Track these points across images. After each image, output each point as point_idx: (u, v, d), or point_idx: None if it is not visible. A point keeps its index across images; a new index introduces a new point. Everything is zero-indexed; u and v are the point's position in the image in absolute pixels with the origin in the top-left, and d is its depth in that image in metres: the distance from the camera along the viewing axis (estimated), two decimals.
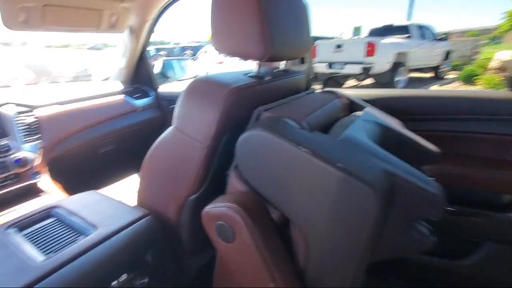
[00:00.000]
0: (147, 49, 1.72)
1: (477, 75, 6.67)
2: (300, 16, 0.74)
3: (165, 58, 1.90)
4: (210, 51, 9.74)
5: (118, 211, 0.77)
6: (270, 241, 0.54)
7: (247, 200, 0.55)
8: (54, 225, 0.73)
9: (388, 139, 0.67)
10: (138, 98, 1.73)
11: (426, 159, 0.71)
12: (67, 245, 0.64)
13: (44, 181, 1.17)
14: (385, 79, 6.52)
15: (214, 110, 0.60)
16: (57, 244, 0.66)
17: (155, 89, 1.81)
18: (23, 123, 1.18)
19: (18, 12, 0.99)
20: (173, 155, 0.69)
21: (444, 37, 8.56)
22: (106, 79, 1.85)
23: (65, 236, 0.68)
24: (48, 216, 0.77)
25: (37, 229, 0.72)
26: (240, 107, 0.63)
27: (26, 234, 0.70)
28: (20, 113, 1.19)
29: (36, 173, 1.17)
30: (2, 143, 1.09)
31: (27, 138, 1.18)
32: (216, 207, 0.55)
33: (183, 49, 16.27)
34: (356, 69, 6.20)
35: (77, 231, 0.70)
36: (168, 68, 1.90)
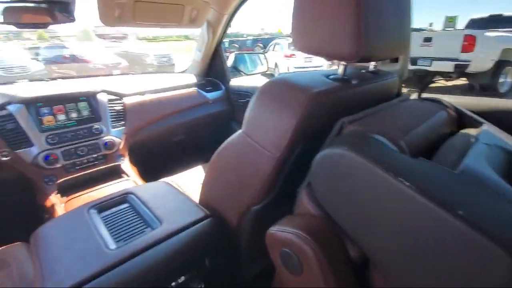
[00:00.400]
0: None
1: None
2: (402, 5, 0.60)
3: (237, 51, 1.89)
4: (281, 44, 9.66)
5: (183, 207, 0.77)
6: (343, 282, 0.45)
7: (318, 228, 0.47)
8: (127, 211, 0.78)
9: None
10: (209, 91, 1.78)
11: None
12: (136, 235, 0.67)
13: (125, 164, 1.29)
14: (484, 80, 5.42)
15: (290, 117, 0.52)
16: (128, 232, 0.69)
17: (227, 83, 1.83)
18: (113, 110, 1.32)
19: (114, 8, 1.08)
20: (240, 161, 0.65)
21: None
22: (184, 71, 1.96)
23: (134, 226, 0.71)
24: (123, 201, 0.83)
25: (113, 213, 0.78)
26: (320, 115, 0.55)
27: (103, 217, 0.76)
28: (111, 100, 1.33)
29: (120, 156, 1.30)
30: (96, 127, 1.24)
31: (115, 124, 1.31)
32: (282, 231, 0.48)
33: (255, 41, 16.59)
34: (447, 66, 5.31)
35: (145, 222, 0.72)
36: (240, 62, 1.90)
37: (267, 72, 2.03)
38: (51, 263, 0.59)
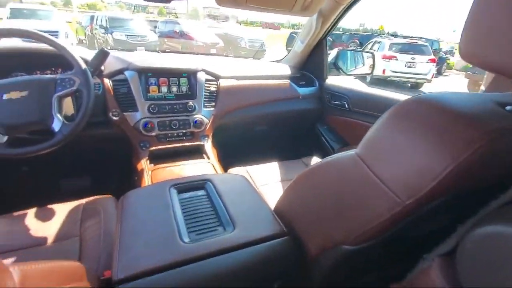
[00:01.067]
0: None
1: None
2: None
3: (340, 48, 1.70)
4: (382, 43, 8.70)
5: (259, 213, 0.71)
6: None
7: None
8: (202, 200, 0.76)
9: None
10: (302, 86, 1.67)
11: None
12: (208, 232, 0.64)
13: (208, 145, 1.32)
14: None
15: (445, 158, 0.37)
16: (200, 225, 0.66)
17: (323, 80, 1.69)
18: (208, 90, 1.35)
19: None
20: (346, 189, 0.52)
21: None
22: (279, 60, 1.88)
23: (208, 220, 0.68)
24: (201, 187, 0.82)
25: (190, 197, 0.77)
26: (493, 162, 0.38)
27: (181, 199, 0.75)
28: (208, 80, 1.36)
29: (205, 136, 1.32)
30: (190, 104, 1.28)
31: (206, 104, 1.34)
32: None
33: (351, 37, 15.50)
34: None
35: (218, 219, 0.68)
36: (342, 59, 1.71)
37: (367, 74, 1.78)
38: (129, 237, 0.60)
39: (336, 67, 1.71)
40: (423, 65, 7.71)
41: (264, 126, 1.67)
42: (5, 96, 0.86)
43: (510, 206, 0.34)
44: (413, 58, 7.76)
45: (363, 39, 14.05)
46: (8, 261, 0.75)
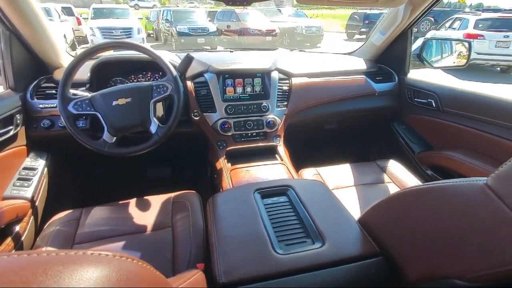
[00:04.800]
0: None
1: None
2: None
3: (428, 37, 1.51)
4: (464, 19, 7.45)
5: (346, 226, 0.69)
6: None
7: None
8: (286, 208, 0.77)
9: None
10: (379, 81, 1.54)
11: None
12: (297, 244, 0.65)
13: (281, 145, 1.32)
14: None
15: None
16: (289, 236, 0.67)
17: (403, 75, 1.53)
18: (281, 89, 1.34)
19: None
20: (471, 222, 0.46)
21: None
22: (352, 52, 1.76)
23: (295, 230, 0.69)
24: (283, 193, 0.83)
25: (274, 203, 0.79)
26: None
27: (266, 204, 0.77)
28: (281, 79, 1.35)
29: (277, 136, 1.33)
30: (264, 104, 1.29)
31: (279, 103, 1.33)
32: None
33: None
34: None
35: (305, 231, 0.69)
36: (428, 50, 1.52)
37: (459, 67, 1.55)
38: (225, 241, 0.64)
39: (420, 59, 1.53)
40: None
41: (335, 125, 1.61)
42: (114, 103, 0.98)
43: None
44: (506, 37, 6.50)
45: (440, 15, 12.24)
46: (118, 244, 0.88)
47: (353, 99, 1.50)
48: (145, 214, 1.00)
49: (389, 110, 1.57)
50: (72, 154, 1.38)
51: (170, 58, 1.27)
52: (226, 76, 1.28)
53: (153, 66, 1.27)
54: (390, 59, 1.58)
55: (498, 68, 6.94)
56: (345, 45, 11.70)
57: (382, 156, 1.42)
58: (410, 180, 1.18)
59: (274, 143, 1.31)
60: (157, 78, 1.34)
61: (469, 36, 6.81)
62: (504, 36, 6.51)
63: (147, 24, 12.05)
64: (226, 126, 1.24)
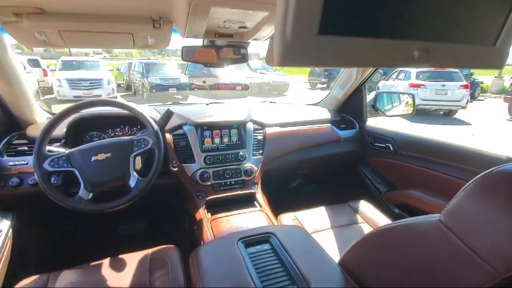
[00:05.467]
0: None
1: None
2: None
3: (379, 91, 1.75)
4: (407, 72, 8.64)
5: (327, 269, 0.73)
6: None
7: None
8: (270, 256, 0.79)
9: None
10: (343, 129, 1.71)
11: None
12: None
13: (259, 192, 1.37)
14: None
15: None
16: (276, 283, 0.69)
17: (363, 122, 1.72)
18: (256, 139, 1.43)
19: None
20: (432, 257, 0.53)
21: None
22: (317, 103, 1.96)
23: (280, 277, 0.71)
24: (266, 240, 0.85)
25: (258, 251, 0.80)
26: None
27: (250, 254, 0.79)
28: (255, 130, 1.45)
29: (255, 184, 1.38)
30: (241, 153, 1.36)
31: (255, 152, 1.41)
32: None
33: None
34: None
35: (290, 277, 0.71)
36: (380, 101, 1.75)
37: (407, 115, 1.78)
38: None
39: (375, 109, 1.75)
40: (455, 91, 7.49)
41: (308, 170, 1.71)
42: (93, 158, 0.98)
43: None
44: (443, 85, 7.59)
45: (388, 69, 14.06)
46: None
47: (321, 146, 1.63)
48: (120, 275, 0.94)
49: (354, 154, 1.72)
50: (39, 212, 1.30)
51: (150, 113, 1.33)
52: (205, 128, 1.35)
53: (131, 121, 1.31)
54: (351, 109, 1.78)
55: (441, 112, 7.91)
56: (309, 93, 12.74)
57: (354, 197, 1.51)
58: (380, 219, 1.26)
59: (253, 191, 1.35)
60: (135, 131, 1.38)
61: (413, 85, 7.84)
62: (442, 85, 7.59)
63: (118, 75, 12.24)
64: (205, 175, 1.27)
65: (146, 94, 9.31)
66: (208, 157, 1.31)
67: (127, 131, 1.37)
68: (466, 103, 7.54)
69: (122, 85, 11.78)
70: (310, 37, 0.29)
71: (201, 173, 1.27)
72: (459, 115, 7.75)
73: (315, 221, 1.27)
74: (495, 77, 12.34)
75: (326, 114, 1.75)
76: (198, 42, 1.13)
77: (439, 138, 1.35)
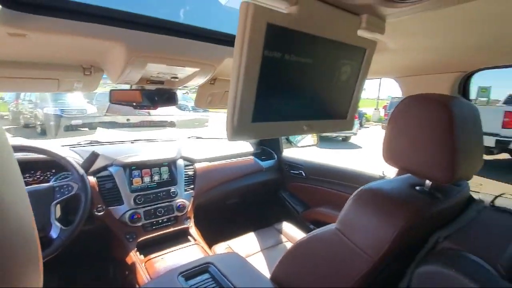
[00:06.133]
0: None
1: None
2: (479, 128, 0.71)
3: None
4: None
5: (261, 285, 0.85)
6: None
7: None
8: (211, 283, 0.86)
9: None
10: (264, 159, 1.94)
11: None
12: None
13: (192, 227, 1.41)
14: None
15: (391, 228, 0.60)
16: None
17: (280, 153, 2.00)
18: (187, 174, 1.50)
19: (207, 96, 1.26)
20: (332, 257, 0.72)
21: None
22: None
23: None
24: (205, 271, 0.92)
25: (199, 282, 0.87)
26: (416, 229, 0.63)
27: (191, 286, 0.84)
28: (186, 166, 1.52)
29: (187, 218, 1.42)
30: (172, 190, 1.40)
31: (186, 188, 1.47)
32: None
33: None
34: (488, 141, 5.23)
35: None
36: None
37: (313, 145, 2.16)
38: None
39: (288, 141, 2.06)
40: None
41: (237, 199, 1.84)
42: None
43: (432, 254, 0.58)
44: None
45: None
46: None
47: (247, 176, 1.81)
48: None
49: (275, 181, 1.95)
50: None
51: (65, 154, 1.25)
52: (133, 167, 1.35)
53: (44, 165, 1.20)
54: (269, 142, 2.05)
55: (340, 138, 9.43)
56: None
57: (277, 219, 1.71)
58: (299, 236, 1.48)
59: (186, 225, 1.39)
60: (49, 176, 1.26)
61: None
62: None
63: (1, 105, 10.16)
64: (136, 216, 1.25)
65: (42, 127, 7.97)
66: (139, 197, 1.30)
67: (39, 176, 1.24)
68: (357, 130, 9.24)
69: (6, 117, 9.78)
70: (247, 123, 0.46)
71: (131, 214, 1.25)
72: (353, 139, 9.39)
73: (247, 246, 1.38)
74: (374, 109, 15.58)
75: (249, 147, 1.96)
76: None
77: (336, 164, 1.70)
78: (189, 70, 0.97)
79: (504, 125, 5.17)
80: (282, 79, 0.50)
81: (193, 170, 1.54)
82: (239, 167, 1.79)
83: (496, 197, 0.85)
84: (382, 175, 1.43)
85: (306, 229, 1.71)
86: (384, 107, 14.29)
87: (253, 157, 1.90)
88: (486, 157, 5.97)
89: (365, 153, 7.44)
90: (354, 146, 8.68)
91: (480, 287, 0.47)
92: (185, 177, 1.48)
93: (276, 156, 2.00)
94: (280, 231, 1.55)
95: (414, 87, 1.16)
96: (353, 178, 1.52)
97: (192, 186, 1.50)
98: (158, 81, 1.12)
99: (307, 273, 0.79)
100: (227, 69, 1.03)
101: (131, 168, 1.34)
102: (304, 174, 1.82)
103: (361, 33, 0.55)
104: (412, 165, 0.66)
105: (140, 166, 1.37)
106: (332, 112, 0.66)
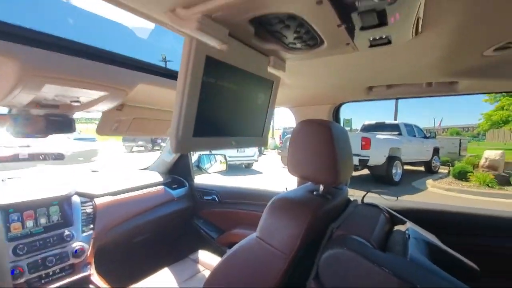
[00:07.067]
0: None
1: (468, 172, 7.13)
2: (348, 145, 0.96)
3: (201, 153, 2.14)
4: None
5: None
6: None
7: None
8: None
9: (434, 255, 0.81)
10: (175, 188, 1.89)
11: (467, 275, 0.82)
12: None
13: (94, 274, 1.21)
14: (381, 172, 6.96)
15: (300, 226, 0.74)
16: None
17: (191, 180, 1.99)
18: (85, 212, 1.30)
19: (113, 122, 1.18)
20: (253, 262, 0.79)
21: (432, 135, 9.55)
22: (147, 168, 2.05)
23: None
24: None
25: None
26: (317, 224, 0.78)
27: None
28: (83, 203, 1.32)
29: (87, 265, 1.21)
30: (67, 233, 1.18)
31: (84, 228, 1.27)
32: None
33: None
34: (353, 160, 6.63)
35: None
36: (203, 162, 2.12)
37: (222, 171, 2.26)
38: None
39: (199, 169, 2.08)
40: (250, 150, 9.83)
41: (148, 233, 1.69)
42: None
43: (330, 241, 0.74)
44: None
45: None
46: None
47: (158, 207, 1.71)
48: None
49: (188, 210, 1.91)
50: None
51: None
52: (10, 210, 1.08)
53: None
54: (180, 170, 2.02)
55: (243, 165, 9.96)
56: (127, 156, 11.99)
57: (193, 249, 1.66)
58: (216, 262, 1.48)
59: (85, 273, 1.18)
60: None
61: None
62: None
63: None
64: (18, 271, 0.99)
65: None
66: (20, 246, 1.04)
67: None
68: (257, 157, 10.00)
69: None
70: (189, 138, 0.51)
71: (10, 270, 0.98)
72: (255, 166, 10.08)
73: (162, 284, 1.29)
74: (271, 137, 17.37)
75: (158, 177, 1.87)
76: None
77: (247, 186, 1.84)
78: (96, 94, 0.92)
79: (362, 147, 6.72)
80: (217, 101, 0.60)
81: (92, 207, 1.36)
82: (148, 199, 1.68)
83: (364, 195, 1.13)
84: (286, 190, 1.65)
85: (223, 254, 1.73)
86: (280, 136, 16.18)
87: (163, 186, 1.82)
88: (353, 173, 7.55)
89: (265, 178, 8.11)
90: (255, 172, 9.31)
91: (361, 255, 0.63)
92: (83, 216, 1.29)
93: (187, 184, 1.98)
94: (196, 261, 1.52)
95: (304, 115, 1.44)
96: (263, 197, 1.68)
97: (92, 226, 1.31)
98: (51, 105, 0.99)
99: (235, 282, 0.83)
100: (138, 95, 1.02)
101: (7, 211, 1.08)
102: (217, 199, 1.87)
103: (270, 69, 0.71)
104: (309, 173, 0.83)
105: (21, 207, 1.12)
106: (252, 130, 0.79)
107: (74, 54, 0.70)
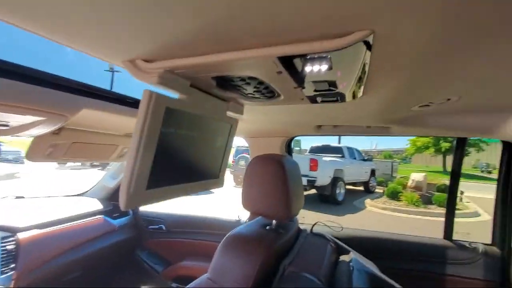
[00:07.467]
0: None
1: (399, 193, 8.01)
2: (299, 176, 1.01)
3: None
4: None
5: None
6: None
7: None
8: None
9: (374, 284, 0.88)
10: (116, 217, 1.72)
11: None
12: None
13: None
14: (327, 191, 7.41)
15: (252, 266, 0.73)
16: None
17: (136, 209, 1.84)
18: (5, 250, 1.10)
19: (47, 147, 1.07)
20: None
21: (370, 158, 10.59)
22: (83, 194, 1.84)
23: None
24: None
25: None
26: (270, 261, 0.79)
27: None
28: (3, 238, 1.13)
29: None
30: None
31: (4, 268, 1.08)
32: None
33: None
34: (302, 181, 6.96)
35: None
36: None
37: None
38: None
39: None
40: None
41: (80, 271, 1.49)
42: None
43: (281, 278, 0.75)
44: None
45: None
46: None
47: (96, 239, 1.53)
48: None
49: (130, 241, 1.75)
50: None
51: None
52: None
53: None
54: None
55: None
56: (57, 173, 10.65)
57: (135, 285, 1.52)
58: None
59: None
60: None
61: None
62: None
63: None
64: None
65: None
66: None
67: None
68: None
69: None
70: (142, 191, 0.49)
71: None
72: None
73: None
74: None
75: (96, 205, 1.70)
76: None
77: (197, 214, 1.78)
78: (30, 119, 0.82)
79: (311, 169, 7.11)
80: (175, 149, 0.59)
81: (14, 243, 1.16)
82: (83, 230, 1.50)
83: (313, 226, 1.19)
84: (238, 218, 1.63)
85: None
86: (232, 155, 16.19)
87: (103, 216, 1.65)
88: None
89: (216, 198, 7.94)
90: (206, 192, 9.06)
91: None
92: (3, 254, 1.09)
93: (131, 212, 1.83)
94: None
95: (258, 145, 1.48)
96: (214, 225, 1.64)
97: (13, 266, 1.12)
98: None
99: None
100: (81, 120, 0.94)
101: None
102: (165, 228, 1.76)
103: (228, 113, 0.73)
104: (263, 209, 0.85)
105: None
106: (209, 173, 0.78)
107: (3, 76, 0.62)
